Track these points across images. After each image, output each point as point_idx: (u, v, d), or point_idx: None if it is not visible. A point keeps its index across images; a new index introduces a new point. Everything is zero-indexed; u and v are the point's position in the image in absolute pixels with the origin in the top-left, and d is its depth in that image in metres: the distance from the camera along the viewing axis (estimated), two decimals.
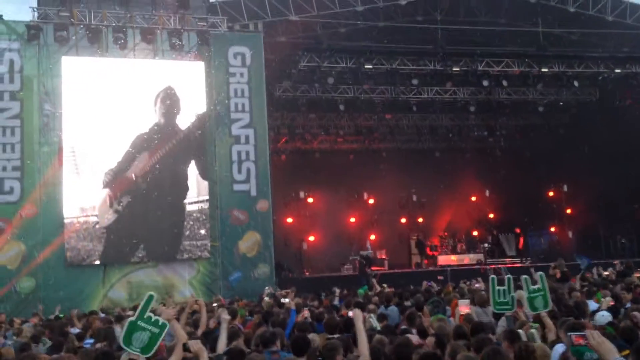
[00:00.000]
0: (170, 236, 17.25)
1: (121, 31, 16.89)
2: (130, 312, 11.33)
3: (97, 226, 16.62)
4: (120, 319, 10.33)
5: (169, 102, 17.57)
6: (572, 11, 21.16)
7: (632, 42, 22.83)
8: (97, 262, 16.57)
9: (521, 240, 25.53)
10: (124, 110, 17.22)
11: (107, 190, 16.75)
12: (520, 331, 5.60)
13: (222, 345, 6.16)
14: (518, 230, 25.76)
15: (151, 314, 4.57)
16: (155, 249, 17.10)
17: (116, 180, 16.83)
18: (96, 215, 16.69)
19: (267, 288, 14.78)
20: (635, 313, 6.31)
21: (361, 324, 5.56)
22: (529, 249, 25.70)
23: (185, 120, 17.78)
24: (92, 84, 17.07)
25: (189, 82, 17.91)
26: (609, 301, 8.45)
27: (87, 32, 16.82)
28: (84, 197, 16.73)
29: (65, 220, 16.42)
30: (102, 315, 11.41)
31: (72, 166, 16.74)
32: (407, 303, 10.77)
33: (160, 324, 4.56)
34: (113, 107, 17.16)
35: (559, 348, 5.24)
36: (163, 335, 4.62)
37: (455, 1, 21.14)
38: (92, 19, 16.89)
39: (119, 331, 7.15)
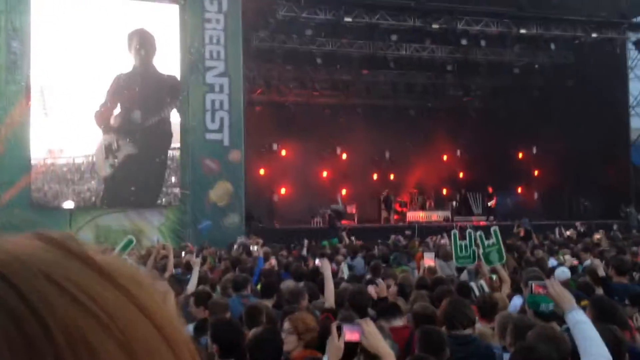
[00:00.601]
0: (154, 183, 17.17)
1: None
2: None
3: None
4: None
5: (144, 43, 17.12)
6: None
7: (610, 7, 22.92)
8: (64, 205, 16.41)
9: (494, 199, 25.98)
10: (95, 50, 16.75)
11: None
12: (472, 284, 5.79)
13: (191, 288, 6.23)
14: (490, 190, 26.19)
15: (126, 257, 4.56)
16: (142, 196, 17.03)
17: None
18: (66, 157, 16.47)
19: (239, 238, 14.86)
20: (596, 260, 6.54)
21: (329, 272, 5.65)
22: (495, 208, 26.21)
23: (160, 64, 17.40)
24: (63, 22, 16.51)
25: (162, 25, 17.45)
26: (572, 260, 8.72)
27: None
28: (52, 138, 16.41)
29: (32, 161, 16.13)
30: None
31: (41, 106, 16.34)
32: (375, 253, 11.03)
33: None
34: (84, 46, 16.67)
35: (516, 300, 5.43)
36: None
37: None
38: None
39: None
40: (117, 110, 16.86)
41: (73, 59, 16.52)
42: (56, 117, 16.41)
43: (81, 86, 16.58)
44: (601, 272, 6.09)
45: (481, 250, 6.23)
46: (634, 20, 24.02)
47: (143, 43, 17.11)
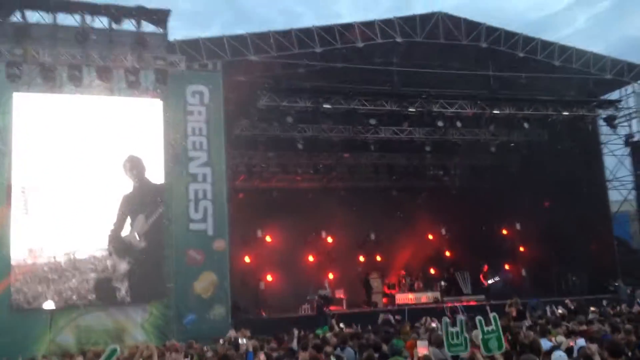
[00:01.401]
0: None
1: (77, 69, 16.65)
2: (79, 359, 10.87)
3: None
4: None
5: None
6: (522, 56, 22.09)
7: (578, 86, 23.91)
8: (44, 306, 15.91)
9: (481, 277, 25.87)
10: (78, 148, 16.87)
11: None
12: None
13: None
14: (486, 268, 26.09)
15: None
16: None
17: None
18: (47, 257, 16.17)
19: (229, 331, 14.40)
20: (591, 346, 6.39)
21: None
22: (485, 287, 25.99)
23: (145, 158, 17.57)
24: (45, 122, 16.70)
25: (146, 120, 17.73)
26: (567, 342, 8.53)
27: (41, 70, 16.51)
28: (32, 238, 16.13)
29: (13, 262, 15.77)
30: None
31: (22, 206, 16.18)
32: (365, 342, 10.69)
33: None
34: (67, 145, 16.80)
35: None
36: None
37: (410, 46, 21.75)
38: (47, 57, 16.63)
39: None
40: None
41: (56, 156, 16.57)
42: (36, 216, 16.22)
43: (62, 185, 16.53)
44: (597, 359, 5.96)
45: (480, 337, 6.06)
46: (602, 97, 24.99)
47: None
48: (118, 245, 16.90)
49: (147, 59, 17.62)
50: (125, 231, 17.04)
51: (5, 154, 16.18)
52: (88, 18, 17.39)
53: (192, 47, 18.66)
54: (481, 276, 25.93)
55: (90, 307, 16.29)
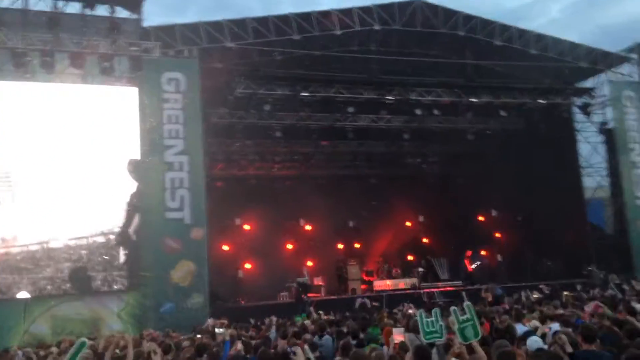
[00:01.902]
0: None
1: (49, 55, 16.31)
2: (53, 349, 10.73)
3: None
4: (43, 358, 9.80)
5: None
6: (498, 44, 22.20)
7: (554, 74, 24.14)
8: (18, 295, 15.68)
9: (466, 262, 26.15)
10: (52, 137, 16.57)
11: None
12: None
13: None
14: (470, 253, 26.34)
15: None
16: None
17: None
18: (20, 246, 15.94)
19: (208, 320, 14.36)
20: (562, 336, 6.50)
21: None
22: (461, 273, 26.28)
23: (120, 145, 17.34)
24: (17, 110, 16.37)
25: (120, 108, 17.45)
26: (543, 328, 8.63)
27: (12, 56, 16.14)
28: (5, 227, 15.85)
29: None
30: (20, 353, 10.73)
31: None
32: (344, 329, 10.76)
33: None
34: (40, 133, 16.52)
35: None
36: None
37: (388, 33, 21.72)
38: (18, 43, 16.25)
39: None
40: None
41: (28, 146, 16.30)
42: (9, 205, 15.94)
43: (36, 173, 16.27)
44: (569, 349, 6.05)
45: (456, 326, 6.11)
46: (577, 85, 25.30)
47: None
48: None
49: (121, 46, 17.32)
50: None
51: None
52: (60, 3, 17.03)
53: (167, 33, 18.36)
54: (466, 261, 26.20)
55: (65, 297, 16.10)
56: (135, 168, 17.34)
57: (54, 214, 16.29)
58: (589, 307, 10.54)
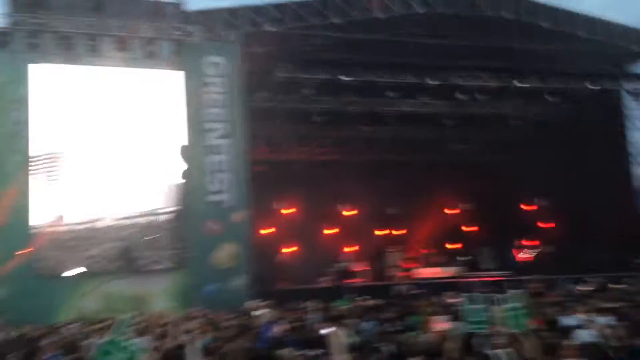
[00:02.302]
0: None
1: (94, 39, 16.60)
2: (100, 325, 11.00)
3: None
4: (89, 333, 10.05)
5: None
6: (546, 27, 21.49)
7: (603, 59, 23.27)
8: (68, 273, 16.16)
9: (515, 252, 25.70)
10: (99, 119, 16.90)
11: None
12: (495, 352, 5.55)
13: None
14: (524, 242, 25.82)
15: (125, 337, 4.34)
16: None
17: None
18: (68, 225, 16.39)
19: (247, 302, 14.50)
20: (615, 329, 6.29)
21: (338, 340, 5.40)
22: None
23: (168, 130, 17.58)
24: (64, 92, 16.71)
25: (165, 91, 17.67)
26: (589, 319, 8.37)
27: (58, 40, 16.49)
28: (55, 206, 16.32)
29: (36, 230, 15.99)
30: (71, 326, 11.05)
31: (44, 174, 16.35)
32: (384, 316, 10.70)
33: (134, 349, 4.36)
34: (87, 115, 16.83)
35: None
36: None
37: (431, 16, 21.27)
38: (64, 27, 16.58)
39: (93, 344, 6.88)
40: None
41: (76, 125, 16.68)
42: (58, 184, 16.40)
43: (84, 154, 16.66)
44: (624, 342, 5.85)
45: (503, 314, 5.99)
46: (628, 69, 24.34)
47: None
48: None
49: (164, 29, 17.48)
50: None
51: (24, 124, 16.27)
52: None
53: (208, 18, 18.48)
54: (514, 251, 25.74)
55: (113, 275, 16.52)
56: (184, 152, 17.57)
57: (100, 194, 16.70)
58: None
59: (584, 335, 6.37)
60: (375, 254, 25.08)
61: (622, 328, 6.47)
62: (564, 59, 22.74)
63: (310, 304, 13.56)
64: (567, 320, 8.47)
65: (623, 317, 8.44)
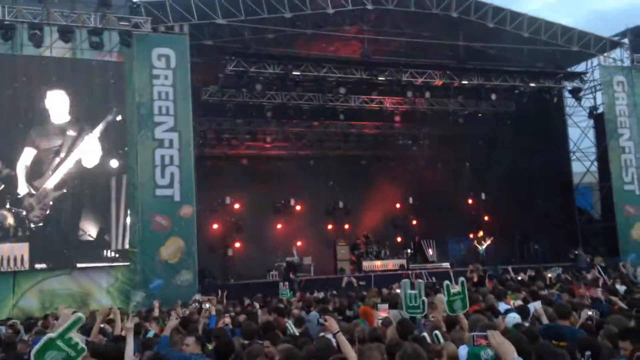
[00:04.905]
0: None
1: (37, 28, 16.13)
2: (40, 322, 10.79)
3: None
4: (30, 327, 9.87)
5: None
6: (491, 27, 22.12)
7: (546, 58, 24.14)
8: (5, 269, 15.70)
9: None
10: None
11: None
12: (425, 334, 5.81)
13: (128, 355, 5.95)
14: (483, 233, 26.38)
15: (72, 336, 4.30)
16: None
17: None
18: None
19: (194, 296, 14.44)
20: (539, 309, 6.70)
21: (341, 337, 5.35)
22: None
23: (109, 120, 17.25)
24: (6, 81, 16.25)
25: (110, 82, 17.35)
26: (524, 305, 8.79)
27: (1, 29, 15.95)
28: None
29: None
30: (3, 328, 10.78)
31: None
32: (330, 307, 10.91)
33: (79, 347, 4.32)
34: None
35: (462, 350, 5.41)
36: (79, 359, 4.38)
37: (381, 13, 21.58)
38: (6, 15, 16.05)
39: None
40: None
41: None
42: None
43: None
44: (544, 320, 6.22)
45: (446, 298, 6.34)
46: (568, 69, 25.32)
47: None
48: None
49: (111, 20, 17.14)
50: None
51: None
52: None
53: (157, 9, 18.19)
54: (475, 242, 26.40)
55: (54, 272, 16.12)
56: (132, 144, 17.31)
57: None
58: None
59: (517, 318, 6.72)
60: (326, 247, 25.26)
61: (552, 311, 6.92)
62: (508, 58, 23.46)
63: (258, 297, 13.71)
64: (504, 306, 8.88)
65: (553, 301, 8.93)
